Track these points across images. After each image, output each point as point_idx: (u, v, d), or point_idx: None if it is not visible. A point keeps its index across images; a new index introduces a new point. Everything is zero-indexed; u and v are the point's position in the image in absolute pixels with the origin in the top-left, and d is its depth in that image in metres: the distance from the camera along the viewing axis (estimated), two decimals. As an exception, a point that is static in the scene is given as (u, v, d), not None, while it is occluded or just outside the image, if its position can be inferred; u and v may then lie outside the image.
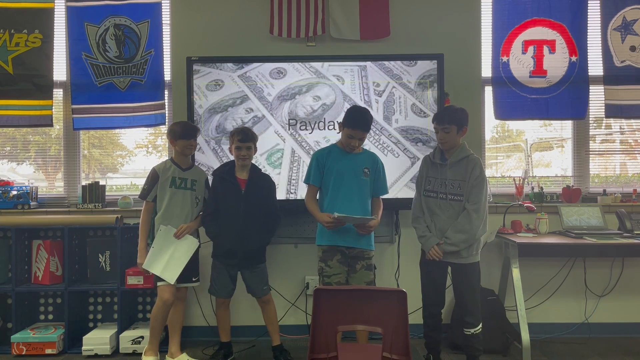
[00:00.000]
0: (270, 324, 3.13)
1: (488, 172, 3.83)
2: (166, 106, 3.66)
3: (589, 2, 3.65)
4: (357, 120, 2.80)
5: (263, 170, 3.28)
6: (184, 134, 3.00)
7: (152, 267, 2.93)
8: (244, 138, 3.00)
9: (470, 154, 2.76)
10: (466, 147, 2.79)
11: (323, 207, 2.89)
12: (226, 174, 3.06)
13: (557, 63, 3.65)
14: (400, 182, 3.42)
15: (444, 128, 2.72)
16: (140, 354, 3.19)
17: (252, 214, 3.00)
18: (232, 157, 3.42)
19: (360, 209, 2.82)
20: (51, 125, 3.64)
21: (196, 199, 3.07)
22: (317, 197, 2.96)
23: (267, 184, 3.13)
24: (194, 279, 3.11)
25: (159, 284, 2.95)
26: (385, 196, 3.05)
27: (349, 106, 3.39)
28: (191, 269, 3.07)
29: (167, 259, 2.95)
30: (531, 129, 3.97)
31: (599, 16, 3.69)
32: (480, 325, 2.74)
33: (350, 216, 2.71)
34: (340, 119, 3.41)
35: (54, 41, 3.63)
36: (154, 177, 3.00)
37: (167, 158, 3.74)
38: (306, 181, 2.97)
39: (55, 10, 3.63)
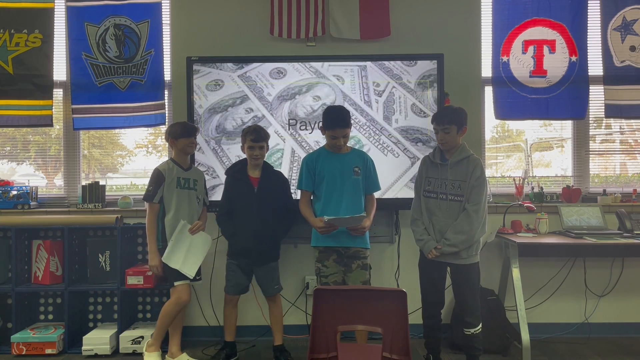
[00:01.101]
0: (275, 323, 3.14)
1: (488, 172, 3.82)
2: (166, 106, 3.66)
3: (589, 2, 3.65)
4: (334, 120, 2.82)
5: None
6: (185, 132, 3.00)
7: (171, 261, 2.93)
8: (257, 138, 3.00)
9: (470, 154, 2.76)
10: (466, 147, 2.79)
11: (317, 210, 2.90)
12: (238, 173, 3.07)
13: (557, 63, 3.65)
14: (400, 182, 3.42)
15: (444, 128, 2.72)
16: (140, 354, 3.19)
17: (265, 212, 3.00)
18: (231, 157, 3.43)
19: (353, 208, 2.82)
20: (51, 125, 3.64)
21: (197, 198, 3.08)
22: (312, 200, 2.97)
23: (280, 180, 3.13)
24: (197, 277, 3.09)
25: (176, 283, 2.93)
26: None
27: (349, 106, 3.41)
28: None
29: (184, 254, 2.96)
30: (531, 129, 3.97)
31: (599, 16, 3.69)
32: (480, 325, 2.74)
33: (340, 217, 2.73)
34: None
35: (54, 41, 3.63)
36: (159, 178, 2.96)
37: (167, 158, 3.76)
38: (299, 187, 2.98)
39: (55, 10, 3.63)
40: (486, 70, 3.71)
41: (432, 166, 2.83)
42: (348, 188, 2.85)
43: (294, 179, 3.39)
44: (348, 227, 2.79)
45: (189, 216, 3.01)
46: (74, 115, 3.60)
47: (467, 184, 2.70)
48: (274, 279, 3.10)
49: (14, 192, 3.61)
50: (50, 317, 3.62)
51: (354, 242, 2.84)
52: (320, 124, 2.93)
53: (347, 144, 2.95)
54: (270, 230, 3.02)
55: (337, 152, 2.90)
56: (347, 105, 3.40)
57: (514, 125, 4.00)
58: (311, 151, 3.37)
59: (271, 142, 3.40)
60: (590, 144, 3.85)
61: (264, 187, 3.03)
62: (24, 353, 3.26)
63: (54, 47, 3.63)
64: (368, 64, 3.46)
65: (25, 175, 3.91)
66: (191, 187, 3.04)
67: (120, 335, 3.29)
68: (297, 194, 3.37)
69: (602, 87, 3.68)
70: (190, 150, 3.07)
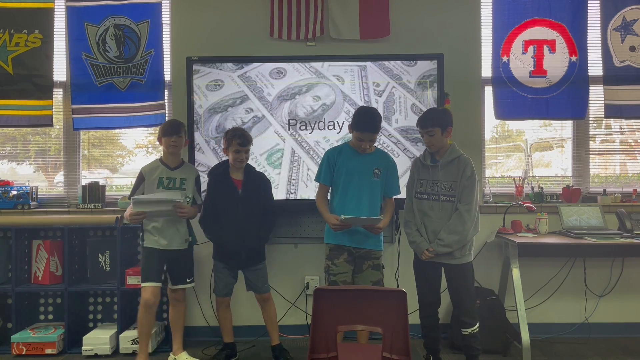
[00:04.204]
0: (270, 323, 3.14)
1: (488, 172, 3.83)
2: (166, 106, 3.66)
3: (589, 2, 3.65)
4: (365, 124, 2.78)
5: (263, 170, 3.29)
6: (165, 131, 2.99)
7: (139, 201, 2.84)
8: (245, 142, 2.99)
9: (460, 154, 2.76)
10: (456, 147, 2.79)
11: (332, 207, 2.88)
12: (221, 176, 3.05)
13: (557, 63, 3.65)
14: (400, 182, 3.40)
15: (428, 131, 2.72)
16: (140, 354, 3.21)
17: (250, 214, 3.00)
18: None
19: (369, 209, 2.80)
20: (51, 125, 3.64)
21: (187, 198, 3.02)
22: (328, 196, 2.96)
23: (263, 182, 3.13)
24: (188, 280, 3.09)
25: (142, 284, 2.94)
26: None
27: (349, 106, 3.41)
28: (185, 269, 3.08)
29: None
30: (531, 129, 3.97)
31: (599, 16, 3.69)
32: (478, 325, 2.74)
33: (357, 217, 2.70)
34: (340, 118, 3.44)
35: (54, 41, 3.63)
36: (139, 179, 3.00)
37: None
38: (317, 179, 2.96)
39: (55, 10, 3.63)
40: (486, 70, 3.71)
41: (423, 168, 2.83)
42: (365, 188, 2.83)
43: (293, 179, 3.40)
44: (363, 225, 2.78)
45: (170, 218, 2.95)
46: (74, 115, 3.60)
47: (459, 184, 2.70)
48: (263, 278, 3.11)
49: (14, 192, 3.61)
50: (50, 317, 3.62)
51: (366, 244, 2.82)
52: (350, 121, 2.90)
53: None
54: (255, 232, 3.02)
55: (361, 152, 2.88)
56: (347, 105, 3.41)
57: (514, 125, 4.00)
58: (311, 151, 3.39)
59: (271, 142, 3.41)
60: (590, 144, 3.85)
61: (247, 189, 3.03)
62: (24, 353, 3.26)
63: (54, 47, 3.63)
64: (368, 64, 3.45)
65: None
66: (177, 187, 3.00)
67: (120, 335, 3.29)
68: (296, 194, 3.38)
69: (602, 87, 3.68)
70: (173, 149, 3.01)
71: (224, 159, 3.42)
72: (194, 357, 3.08)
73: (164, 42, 3.64)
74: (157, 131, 3.79)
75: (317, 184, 2.97)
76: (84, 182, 3.72)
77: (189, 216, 3.03)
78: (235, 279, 3.11)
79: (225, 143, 3.05)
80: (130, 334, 3.30)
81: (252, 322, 3.55)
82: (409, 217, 2.86)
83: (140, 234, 3.02)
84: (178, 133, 2.99)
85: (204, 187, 3.37)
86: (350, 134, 2.91)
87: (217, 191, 3.05)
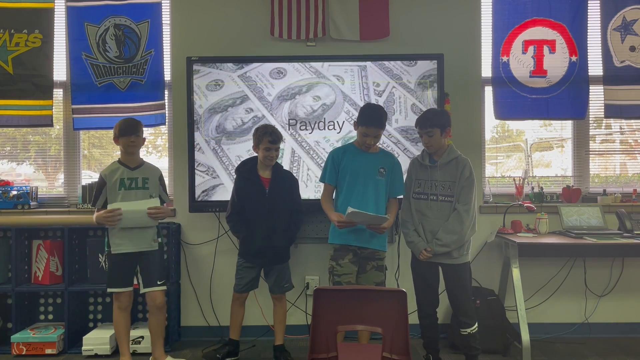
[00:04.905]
0: (278, 323, 3.14)
1: (488, 172, 3.83)
2: (166, 106, 3.66)
3: (589, 2, 3.65)
4: (371, 118, 2.78)
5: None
6: (122, 131, 2.87)
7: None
8: (275, 139, 2.97)
9: (458, 155, 2.77)
10: (454, 148, 2.80)
11: (337, 206, 2.87)
12: (249, 173, 3.05)
13: (557, 63, 3.65)
14: (400, 182, 3.41)
15: (427, 132, 2.73)
16: (140, 354, 3.20)
17: (277, 213, 3.01)
18: (231, 157, 3.43)
19: (374, 209, 2.79)
20: (51, 125, 3.64)
21: (151, 197, 2.90)
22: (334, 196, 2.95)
23: (290, 181, 3.13)
24: (158, 282, 2.92)
25: (114, 290, 2.89)
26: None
27: (349, 106, 3.42)
28: (155, 272, 2.92)
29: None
30: (531, 129, 3.97)
31: (599, 16, 3.69)
32: (476, 325, 2.75)
33: (363, 212, 2.68)
34: (340, 118, 3.44)
35: (54, 41, 3.63)
36: (100, 184, 2.88)
37: (167, 158, 3.76)
38: (322, 180, 2.95)
39: (55, 10, 3.63)
40: (486, 70, 3.70)
41: (421, 168, 2.84)
42: (370, 187, 2.82)
43: (294, 179, 3.39)
44: (367, 225, 2.78)
45: (137, 219, 2.84)
46: (74, 115, 3.60)
47: (457, 185, 2.71)
48: (285, 277, 3.11)
49: (14, 192, 3.61)
50: (50, 317, 3.62)
51: (372, 243, 2.82)
52: (350, 121, 2.88)
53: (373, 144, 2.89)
54: (282, 231, 3.02)
55: (365, 151, 2.88)
56: (347, 105, 3.41)
57: (514, 125, 4.00)
58: (311, 151, 3.39)
59: (271, 142, 3.41)
60: (590, 144, 3.85)
61: (275, 188, 3.02)
62: (24, 353, 3.26)
63: (54, 47, 3.63)
64: (368, 64, 3.45)
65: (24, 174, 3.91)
66: (139, 187, 2.88)
67: (120, 335, 3.29)
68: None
69: (602, 87, 3.68)
70: (131, 149, 2.90)
71: (223, 159, 3.42)
72: (178, 359, 3.06)
73: (164, 42, 3.64)
74: (157, 131, 3.83)
75: (318, 184, 2.97)
76: (84, 182, 3.72)
77: (164, 216, 2.95)
78: (258, 276, 3.11)
79: (255, 140, 3.03)
80: (131, 333, 3.27)
81: (253, 322, 3.55)
82: (406, 217, 2.87)
83: (106, 240, 2.88)
84: (136, 132, 2.90)
85: (207, 184, 3.39)
86: (353, 133, 2.91)
87: (244, 189, 3.03)
